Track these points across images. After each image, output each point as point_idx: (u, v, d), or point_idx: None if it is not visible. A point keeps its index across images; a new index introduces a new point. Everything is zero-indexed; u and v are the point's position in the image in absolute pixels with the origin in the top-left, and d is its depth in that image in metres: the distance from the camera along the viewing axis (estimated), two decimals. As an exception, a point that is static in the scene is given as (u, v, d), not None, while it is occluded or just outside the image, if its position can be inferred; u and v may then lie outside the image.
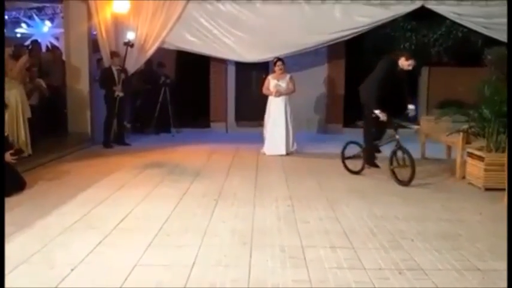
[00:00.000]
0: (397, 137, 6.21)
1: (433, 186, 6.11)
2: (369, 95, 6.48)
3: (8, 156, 5.52)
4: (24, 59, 7.04)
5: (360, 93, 6.82)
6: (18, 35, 12.61)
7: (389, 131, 6.52)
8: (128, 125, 10.48)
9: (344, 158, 6.87)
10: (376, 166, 6.92)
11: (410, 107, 6.44)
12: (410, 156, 5.94)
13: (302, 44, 9.79)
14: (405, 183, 5.94)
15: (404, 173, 6.02)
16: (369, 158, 6.82)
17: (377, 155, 6.94)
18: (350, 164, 6.81)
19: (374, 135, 6.71)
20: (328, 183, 6.16)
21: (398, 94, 6.47)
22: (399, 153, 6.10)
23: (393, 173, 6.15)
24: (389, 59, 6.67)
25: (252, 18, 9.59)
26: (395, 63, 6.47)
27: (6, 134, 6.16)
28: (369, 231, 4.26)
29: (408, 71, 6.51)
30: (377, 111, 6.22)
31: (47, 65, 9.59)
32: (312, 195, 5.55)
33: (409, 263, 3.54)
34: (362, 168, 6.71)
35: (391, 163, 6.19)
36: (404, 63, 6.41)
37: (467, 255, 3.72)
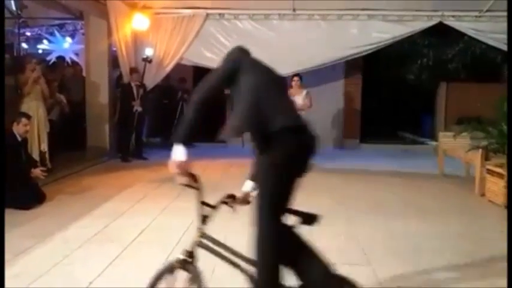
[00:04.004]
0: None
1: (452, 203, 6.04)
2: None
3: (39, 172, 5.64)
4: (35, 73, 7.00)
5: None
6: (40, 51, 12.90)
7: None
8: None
9: None
10: None
11: None
12: None
13: (319, 60, 9.79)
14: None
15: None
16: None
17: None
18: None
19: None
20: (344, 199, 6.12)
21: None
22: None
23: None
24: None
25: (269, 34, 9.65)
26: None
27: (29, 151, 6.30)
28: (387, 248, 4.21)
29: None
30: None
31: (67, 80, 9.77)
32: (329, 211, 5.48)
33: (428, 281, 3.49)
34: None
35: None
36: None
37: (487, 273, 3.66)
